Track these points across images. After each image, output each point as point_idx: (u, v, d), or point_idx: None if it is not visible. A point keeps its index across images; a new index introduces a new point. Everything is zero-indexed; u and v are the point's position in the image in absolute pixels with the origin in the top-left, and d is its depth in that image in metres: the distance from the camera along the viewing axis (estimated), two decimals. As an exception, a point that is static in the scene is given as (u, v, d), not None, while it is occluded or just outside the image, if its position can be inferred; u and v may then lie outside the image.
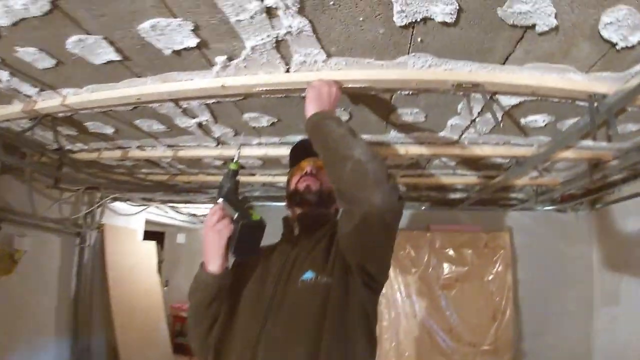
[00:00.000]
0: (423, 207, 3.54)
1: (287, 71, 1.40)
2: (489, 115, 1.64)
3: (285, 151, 2.16)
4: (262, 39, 1.22)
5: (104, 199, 3.43)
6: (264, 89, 1.44)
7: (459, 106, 1.63)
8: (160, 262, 5.69)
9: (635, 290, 2.56)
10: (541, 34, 1.08)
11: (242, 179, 2.93)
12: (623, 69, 1.25)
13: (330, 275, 1.16)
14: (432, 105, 1.64)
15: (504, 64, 1.27)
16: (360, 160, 0.98)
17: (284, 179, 2.88)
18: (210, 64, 1.38)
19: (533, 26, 1.05)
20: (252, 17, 1.11)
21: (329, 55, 1.31)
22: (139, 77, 1.47)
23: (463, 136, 1.96)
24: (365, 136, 2.04)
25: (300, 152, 1.55)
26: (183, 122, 1.90)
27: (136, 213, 4.26)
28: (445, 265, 3.41)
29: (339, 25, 1.14)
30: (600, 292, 3.13)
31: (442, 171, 2.68)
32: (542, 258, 3.42)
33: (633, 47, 1.10)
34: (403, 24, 1.08)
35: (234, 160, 1.36)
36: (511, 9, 0.99)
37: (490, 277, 3.35)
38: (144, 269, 4.86)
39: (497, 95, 1.48)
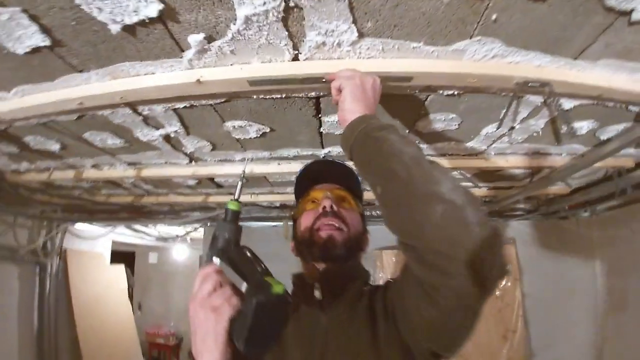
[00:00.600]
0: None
1: (295, 58, 0.95)
2: (532, 122, 1.38)
3: (275, 168, 1.81)
4: (264, 3, 0.75)
5: (63, 224, 3.01)
6: (258, 87, 0.98)
7: (504, 111, 1.28)
8: (130, 287, 5.23)
9: None
10: (632, 23, 0.86)
11: (217, 199, 2.52)
12: None
13: None
14: (473, 109, 1.28)
15: (575, 59, 1.01)
16: (454, 203, 0.62)
17: (270, 197, 2.52)
18: (179, 48, 0.90)
19: (630, 12, 0.83)
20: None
21: (361, 35, 0.88)
22: (80, 71, 1.02)
23: (492, 146, 1.64)
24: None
25: (310, 176, 1.11)
26: (145, 134, 1.42)
27: (101, 235, 3.80)
28: None
29: None
30: (606, 299, 2.96)
31: None
32: (545, 268, 3.18)
33: None
34: None
35: (235, 198, 0.85)
36: None
37: (498, 293, 3.05)
38: (113, 296, 4.37)
39: (561, 98, 1.19)
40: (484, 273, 0.59)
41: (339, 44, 0.89)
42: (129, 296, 4.85)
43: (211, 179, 2.12)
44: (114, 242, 4.54)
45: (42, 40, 0.86)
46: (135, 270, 6.56)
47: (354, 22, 0.83)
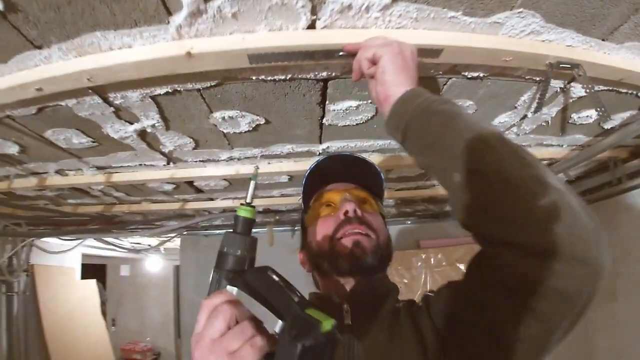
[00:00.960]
0: (409, 222, 3.08)
1: (312, 26, 0.76)
2: (544, 110, 1.29)
3: (264, 167, 1.62)
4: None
5: (28, 239, 2.75)
6: (260, 64, 0.79)
7: (523, 98, 1.19)
8: (103, 302, 5.00)
9: (633, 285, 2.39)
10: None
11: (195, 205, 2.27)
12: None
13: None
14: (492, 95, 1.15)
15: (604, 40, 0.93)
16: (557, 188, 0.51)
17: (254, 202, 2.33)
18: (166, 10, 0.70)
19: None
20: None
21: (395, -2, 0.69)
22: (39, 47, 0.80)
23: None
24: (381, 141, 1.43)
25: (320, 175, 0.94)
26: (116, 130, 1.19)
27: (71, 249, 3.47)
28: None
29: None
30: None
31: None
32: None
33: None
34: None
35: (247, 201, 0.64)
36: None
37: None
38: (85, 312, 4.15)
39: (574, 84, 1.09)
40: (602, 269, 0.49)
41: (367, 9, 0.71)
42: (102, 312, 4.65)
43: (190, 183, 1.89)
44: (83, 255, 4.31)
45: None
46: (107, 284, 6.24)
47: (392, -21, 0.66)
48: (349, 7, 0.70)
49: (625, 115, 1.34)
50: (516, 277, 0.53)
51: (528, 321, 0.54)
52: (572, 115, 1.34)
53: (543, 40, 0.89)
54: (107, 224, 2.51)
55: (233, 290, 0.58)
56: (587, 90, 0.96)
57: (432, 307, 0.74)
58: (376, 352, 0.71)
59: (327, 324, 0.50)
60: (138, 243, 4.51)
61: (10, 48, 0.78)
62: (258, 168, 0.71)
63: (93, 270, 4.90)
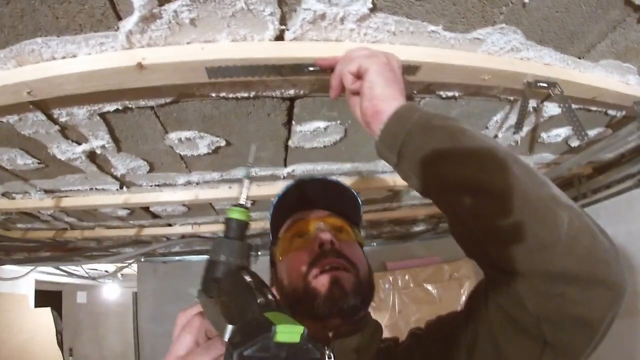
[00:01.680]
0: (374, 244, 3.03)
1: (280, 37, 0.68)
2: (513, 130, 1.26)
3: (225, 192, 1.51)
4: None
5: None
6: (220, 79, 0.70)
7: (495, 118, 1.17)
8: (59, 332, 4.60)
9: None
10: None
11: (152, 231, 2.13)
12: None
13: None
14: (465, 115, 1.12)
15: (580, 58, 0.94)
16: (573, 208, 0.47)
17: (214, 227, 2.15)
18: (115, 15, 0.61)
19: None
20: None
21: (374, 8, 0.65)
22: None
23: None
24: (349, 165, 1.36)
25: (289, 202, 0.83)
26: (63, 150, 1.07)
27: (23, 275, 3.22)
28: (413, 306, 2.91)
29: None
30: None
31: (413, 202, 2.14)
32: None
33: None
34: None
35: (240, 202, 0.55)
36: None
37: (456, 274, 3.01)
38: (41, 342, 3.86)
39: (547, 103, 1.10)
40: (619, 291, 0.45)
41: (342, 19, 0.65)
42: (58, 342, 4.28)
43: (146, 209, 1.76)
44: (37, 282, 4.02)
45: None
46: (63, 311, 5.77)
47: (371, -12, 0.60)
48: (323, 16, 0.63)
49: (593, 132, 1.35)
50: (534, 309, 0.47)
51: (547, 354, 0.48)
52: (541, 135, 1.33)
53: (522, 58, 0.87)
54: (59, 251, 2.33)
55: (200, 300, 0.48)
56: (564, 108, 0.94)
57: (423, 347, 0.67)
58: None
59: (287, 332, 0.37)
60: (94, 269, 4.27)
61: None
62: (251, 165, 0.62)
63: (47, 297, 4.56)
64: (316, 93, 0.87)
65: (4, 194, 1.46)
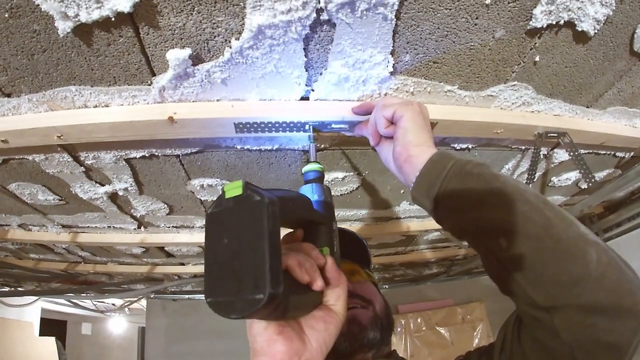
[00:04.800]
0: (386, 286, 3.00)
1: (305, 97, 0.72)
2: (526, 176, 1.20)
3: None
4: (290, 13, 0.53)
5: None
6: (246, 134, 0.73)
7: (507, 165, 1.19)
8: None
9: None
10: None
11: (165, 269, 2.14)
12: None
13: None
14: None
15: (588, 107, 0.97)
16: (599, 244, 0.49)
17: None
18: (150, 70, 0.64)
19: None
20: None
21: (394, 71, 0.68)
22: (8, 95, 0.71)
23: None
24: (364, 211, 1.37)
25: None
26: (86, 190, 1.09)
27: (30, 303, 3.19)
28: (425, 350, 2.85)
29: (445, 8, 0.60)
30: None
31: (426, 246, 2.14)
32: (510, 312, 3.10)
33: None
34: (538, 25, 0.66)
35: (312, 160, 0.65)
36: None
37: (469, 317, 2.99)
38: None
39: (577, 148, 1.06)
40: None
41: (364, 81, 0.68)
42: None
43: (161, 248, 1.78)
44: (43, 310, 4.04)
45: None
46: (67, 341, 5.69)
47: (392, 52, 0.63)
48: (346, 79, 0.66)
49: (603, 174, 1.36)
50: (568, 339, 0.48)
51: None
52: (552, 179, 1.35)
53: (533, 111, 0.90)
54: (70, 283, 2.33)
55: None
56: (572, 155, 0.96)
57: None
58: None
59: (231, 188, 0.43)
60: (101, 301, 4.23)
61: None
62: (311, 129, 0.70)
63: (52, 326, 4.55)
64: (336, 147, 0.90)
65: (20, 225, 1.47)
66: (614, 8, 0.66)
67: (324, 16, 0.54)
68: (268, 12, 0.52)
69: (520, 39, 0.68)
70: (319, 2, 0.52)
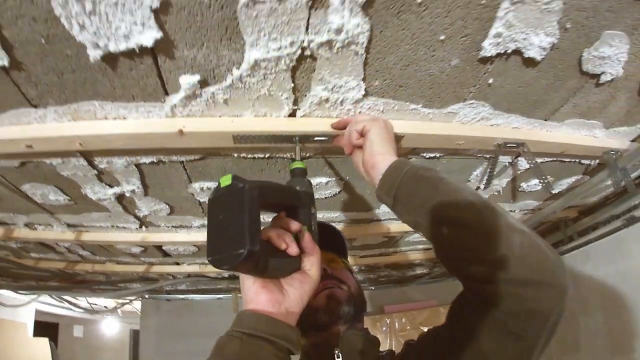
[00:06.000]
0: (372, 287, 3.11)
1: (292, 114, 0.85)
2: (495, 182, 1.44)
3: None
4: (280, 49, 0.67)
5: None
6: (243, 144, 0.87)
7: (475, 172, 1.32)
8: None
9: (594, 334, 2.43)
10: (599, 84, 0.94)
11: (161, 269, 2.27)
12: (636, 123, 1.16)
13: None
14: (448, 172, 1.27)
15: (546, 120, 1.08)
16: (524, 232, 0.62)
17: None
18: (164, 90, 0.77)
19: (599, 75, 0.91)
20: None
21: (366, 94, 0.82)
22: (35, 106, 0.81)
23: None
24: (347, 213, 1.51)
25: None
26: (95, 192, 1.21)
27: (25, 303, 3.27)
28: None
29: (406, 44, 0.72)
30: (559, 343, 2.84)
31: (408, 247, 2.27)
32: None
33: None
34: (489, 54, 0.78)
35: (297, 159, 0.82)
36: (596, 51, 0.84)
37: None
38: None
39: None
40: (565, 292, 0.59)
41: (342, 102, 0.82)
42: None
43: (159, 247, 1.90)
44: (36, 312, 4.09)
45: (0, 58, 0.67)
46: (59, 344, 5.67)
47: (364, 79, 0.77)
48: (327, 100, 0.80)
49: (571, 180, 1.48)
50: (500, 306, 0.60)
51: (513, 342, 0.61)
52: (521, 184, 1.47)
53: (492, 125, 1.02)
54: (67, 282, 2.41)
55: None
56: (530, 164, 1.09)
57: (415, 352, 0.79)
58: None
59: (224, 180, 0.59)
60: (94, 304, 4.28)
61: (6, 102, 0.80)
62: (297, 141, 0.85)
63: (44, 328, 4.56)
64: (319, 155, 1.03)
65: (26, 224, 1.57)
66: (559, 36, 0.76)
67: (307, 52, 0.68)
68: (263, 49, 0.66)
69: (474, 66, 0.80)
70: (304, 42, 0.66)
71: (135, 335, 5.67)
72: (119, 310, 4.63)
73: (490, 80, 0.85)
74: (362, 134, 0.78)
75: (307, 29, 0.64)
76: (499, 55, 0.78)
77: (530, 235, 0.61)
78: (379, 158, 0.73)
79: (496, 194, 1.50)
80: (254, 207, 0.56)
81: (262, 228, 0.58)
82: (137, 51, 0.65)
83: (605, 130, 1.16)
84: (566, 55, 0.84)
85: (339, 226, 1.64)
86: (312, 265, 0.66)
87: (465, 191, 0.65)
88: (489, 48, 0.75)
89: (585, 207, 1.94)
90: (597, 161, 1.31)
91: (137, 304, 3.46)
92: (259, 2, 0.58)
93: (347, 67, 0.72)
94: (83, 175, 1.10)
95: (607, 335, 2.32)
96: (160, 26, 0.62)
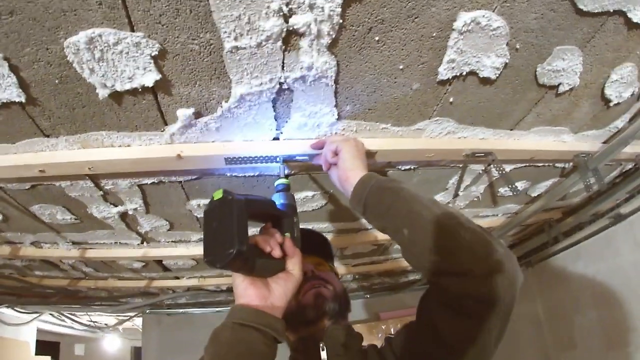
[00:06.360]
0: (368, 295, 3.19)
1: (276, 137, 0.97)
2: (473, 188, 1.53)
3: None
4: (261, 85, 0.79)
5: None
6: (235, 165, 0.99)
7: (451, 181, 1.42)
8: None
9: (589, 331, 2.50)
10: (559, 94, 1.03)
11: (161, 283, 2.38)
12: (605, 125, 1.25)
13: None
14: (425, 181, 1.38)
15: (512, 129, 1.16)
16: (474, 229, 0.71)
17: (218, 281, 2.41)
18: (163, 121, 0.89)
19: (557, 86, 1.00)
20: (259, 45, 0.69)
21: (339, 117, 0.94)
22: (48, 136, 0.92)
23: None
24: (336, 224, 1.63)
25: None
26: (101, 211, 1.32)
27: (27, 322, 3.33)
28: None
29: (370, 74, 0.84)
30: (554, 341, 2.99)
31: (399, 255, 2.36)
32: None
33: (619, 103, 1.12)
34: (445, 77, 0.89)
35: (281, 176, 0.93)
36: (550, 66, 0.92)
37: None
38: None
39: (502, 165, 1.29)
40: (514, 280, 0.68)
41: (318, 125, 0.94)
42: None
43: (159, 262, 2.00)
44: (38, 331, 4.10)
45: (17, 95, 0.76)
46: None
47: (336, 105, 0.90)
48: (305, 124, 0.93)
49: (549, 183, 1.58)
50: (453, 292, 0.70)
51: (464, 323, 0.70)
52: (499, 190, 1.56)
53: (459, 137, 1.12)
54: (71, 299, 2.49)
55: None
56: (500, 172, 1.20)
57: (394, 343, 0.90)
58: None
59: (217, 194, 0.71)
60: (96, 322, 4.34)
61: (22, 133, 0.90)
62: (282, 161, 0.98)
63: (46, 348, 4.59)
64: (304, 172, 1.16)
65: (33, 243, 1.66)
66: (510, 56, 0.85)
67: (285, 86, 0.81)
68: (247, 85, 0.78)
69: (434, 88, 0.91)
70: (281, 78, 0.78)
71: (136, 352, 5.72)
72: (120, 328, 4.68)
73: (451, 99, 0.96)
74: (336, 153, 0.90)
75: (282, 67, 0.76)
76: (455, 77, 0.89)
77: (480, 232, 0.70)
78: (351, 173, 0.85)
79: (476, 199, 1.61)
80: (242, 215, 0.68)
81: (250, 235, 0.69)
82: (140, 90, 0.78)
83: (573, 135, 1.24)
84: (521, 72, 0.93)
85: (329, 236, 1.75)
86: (294, 265, 0.77)
87: (422, 197, 0.77)
88: (444, 72, 0.86)
89: (569, 208, 2.00)
90: (572, 164, 1.37)
91: (138, 321, 3.51)
92: (241, 48, 0.70)
93: (320, 96, 0.85)
94: (89, 196, 1.21)
95: (601, 332, 2.40)
96: (159, 69, 0.74)
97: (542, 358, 3.04)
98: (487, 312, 0.69)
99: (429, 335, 0.77)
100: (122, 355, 5.93)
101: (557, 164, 1.40)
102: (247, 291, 0.71)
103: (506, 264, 0.68)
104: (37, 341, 4.11)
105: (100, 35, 0.65)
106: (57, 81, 0.75)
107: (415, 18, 0.72)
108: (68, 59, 0.70)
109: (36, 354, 4.02)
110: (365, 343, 0.97)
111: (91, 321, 4.14)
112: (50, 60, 0.71)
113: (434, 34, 0.77)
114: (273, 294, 0.73)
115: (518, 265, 0.71)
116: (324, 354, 0.89)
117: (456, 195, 1.54)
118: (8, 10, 0.61)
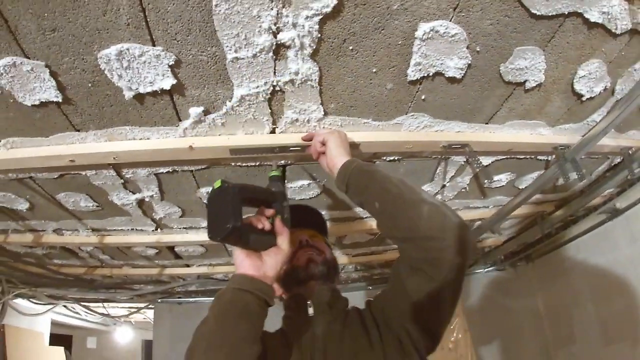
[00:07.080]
0: (370, 287, 3.35)
1: (273, 131, 1.16)
2: (458, 179, 1.64)
3: None
4: (257, 87, 0.98)
5: (7, 296, 2.47)
6: (238, 155, 1.18)
7: (436, 172, 1.56)
8: None
9: (588, 325, 2.58)
10: (527, 90, 1.13)
11: (172, 271, 2.57)
12: (582, 119, 1.33)
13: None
14: (411, 171, 1.53)
15: (487, 123, 1.28)
16: (434, 203, 0.85)
17: (226, 269, 2.62)
18: (178, 118, 1.09)
19: (523, 83, 1.10)
20: (255, 56, 0.88)
21: (326, 114, 1.12)
22: (78, 130, 1.10)
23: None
24: (332, 212, 1.81)
25: None
26: (120, 198, 1.52)
27: (42, 313, 3.41)
28: None
29: (348, 77, 1.01)
30: (554, 334, 3.05)
31: (395, 246, 2.46)
32: (491, 318, 3.33)
33: (593, 98, 1.21)
34: (415, 78, 1.03)
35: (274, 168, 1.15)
36: (512, 65, 1.02)
37: (450, 346, 3.19)
38: None
39: (479, 156, 1.42)
40: (465, 246, 0.80)
41: (308, 120, 1.12)
42: None
43: (171, 249, 2.19)
44: (52, 324, 4.23)
45: (54, 96, 0.94)
46: (73, 356, 5.93)
47: (322, 103, 1.08)
48: (296, 120, 1.11)
49: (535, 175, 1.69)
50: (417, 257, 0.85)
51: (427, 282, 0.84)
52: (485, 181, 1.66)
53: (436, 130, 1.26)
54: (86, 287, 2.66)
55: None
56: (473, 161, 1.34)
57: (372, 305, 1.04)
58: (331, 333, 0.99)
59: (217, 183, 0.87)
60: (108, 315, 4.52)
61: (56, 128, 1.08)
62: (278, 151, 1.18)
63: (58, 340, 4.76)
64: (299, 162, 1.33)
65: (55, 230, 1.84)
66: (471, 58, 0.97)
67: (277, 88, 0.99)
68: (246, 88, 0.98)
69: (406, 87, 1.06)
70: (274, 82, 0.97)
71: (147, 346, 5.93)
72: (132, 320, 4.85)
73: (423, 97, 1.10)
74: (323, 143, 1.08)
75: (274, 73, 0.95)
76: (424, 77, 1.03)
77: (439, 206, 0.84)
78: (336, 160, 1.01)
79: (463, 190, 1.74)
80: (236, 199, 0.86)
81: (245, 216, 0.87)
82: (159, 92, 0.97)
83: (551, 128, 1.34)
84: (485, 71, 1.04)
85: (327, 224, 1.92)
86: (283, 241, 0.94)
87: (393, 178, 0.93)
88: (413, 74, 1.01)
89: (562, 202, 2.09)
90: (554, 156, 1.45)
91: (149, 314, 3.64)
92: (240, 59, 0.89)
93: (307, 96, 1.03)
94: (112, 184, 1.40)
95: (599, 325, 2.49)
96: (175, 75, 0.94)
97: (542, 352, 3.09)
98: (445, 274, 0.82)
99: (399, 293, 0.94)
100: (133, 348, 6.11)
101: (539, 157, 1.51)
102: (244, 262, 0.88)
103: (459, 232, 0.81)
104: (51, 334, 4.26)
105: (128, 49, 0.85)
106: (90, 85, 0.94)
107: (382, 30, 0.89)
108: (100, 67, 0.89)
109: (50, 345, 4.18)
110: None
111: (106, 308, 4.32)
112: (85, 68, 0.89)
113: (400, 42, 0.93)
114: (265, 265, 0.89)
115: (470, 234, 0.88)
116: (310, 310, 1.08)
117: (443, 186, 1.67)
118: (52, 28, 0.79)
